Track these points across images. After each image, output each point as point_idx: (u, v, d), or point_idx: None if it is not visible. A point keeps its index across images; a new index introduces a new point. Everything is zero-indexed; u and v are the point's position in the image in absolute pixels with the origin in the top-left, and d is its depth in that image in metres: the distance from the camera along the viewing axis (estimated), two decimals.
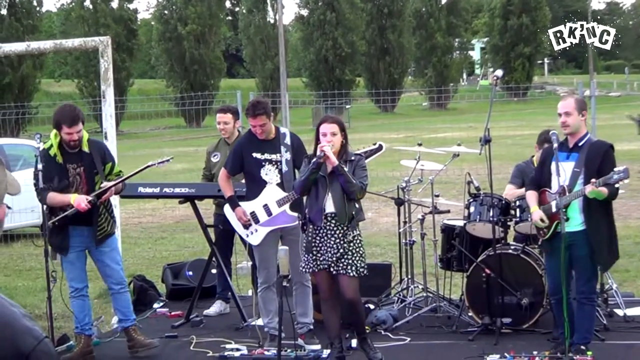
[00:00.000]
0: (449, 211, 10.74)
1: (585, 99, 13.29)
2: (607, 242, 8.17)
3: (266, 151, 8.97)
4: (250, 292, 11.44)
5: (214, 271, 10.88)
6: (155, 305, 11.09)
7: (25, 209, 16.15)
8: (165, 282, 11.73)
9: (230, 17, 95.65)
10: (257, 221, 9.06)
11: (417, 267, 10.70)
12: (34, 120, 36.30)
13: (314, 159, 8.17)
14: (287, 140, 8.98)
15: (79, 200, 8.56)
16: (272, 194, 8.95)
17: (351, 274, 8.18)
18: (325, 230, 8.20)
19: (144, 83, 78.27)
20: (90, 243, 8.89)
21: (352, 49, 76.30)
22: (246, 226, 9.09)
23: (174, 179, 23.42)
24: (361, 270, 8.24)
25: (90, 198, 8.60)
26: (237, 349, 8.97)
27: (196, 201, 10.35)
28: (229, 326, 10.05)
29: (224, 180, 9.27)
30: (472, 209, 9.68)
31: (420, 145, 10.75)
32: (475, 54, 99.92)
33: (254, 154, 9.02)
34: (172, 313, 10.75)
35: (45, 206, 8.77)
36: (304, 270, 8.46)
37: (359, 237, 8.31)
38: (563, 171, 8.05)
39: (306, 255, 8.33)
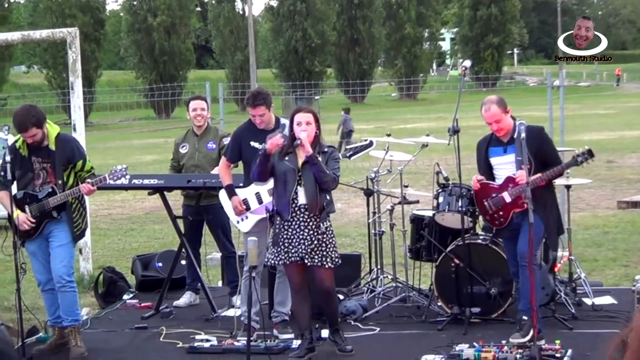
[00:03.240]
0: (418, 201, 10.76)
1: (554, 89, 13.38)
2: (555, 224, 8.56)
3: (264, 141, 8.92)
4: (220, 284, 11.44)
5: (183, 262, 10.86)
6: (125, 297, 11.06)
7: None
8: (135, 274, 11.70)
9: (199, 8, 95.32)
10: (248, 208, 9.08)
11: (387, 258, 10.74)
12: (2, 112, 35.98)
13: (264, 149, 8.23)
14: (286, 131, 8.92)
15: (21, 221, 8.58)
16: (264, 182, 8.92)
17: (327, 266, 8.21)
18: (297, 222, 8.19)
19: (113, 74, 77.93)
20: (50, 234, 8.73)
21: (322, 40, 76.18)
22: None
23: (143, 170, 23.34)
24: (336, 260, 8.27)
25: (32, 220, 8.60)
26: (207, 340, 8.95)
27: (165, 192, 10.32)
28: (198, 317, 10.03)
29: (223, 168, 9.29)
30: (441, 199, 9.69)
31: (389, 135, 10.75)
32: (445, 45, 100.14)
33: (252, 143, 9.06)
34: (142, 304, 10.71)
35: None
36: (272, 262, 8.42)
37: (331, 228, 8.33)
38: (505, 164, 8.31)
39: (273, 248, 8.33)
